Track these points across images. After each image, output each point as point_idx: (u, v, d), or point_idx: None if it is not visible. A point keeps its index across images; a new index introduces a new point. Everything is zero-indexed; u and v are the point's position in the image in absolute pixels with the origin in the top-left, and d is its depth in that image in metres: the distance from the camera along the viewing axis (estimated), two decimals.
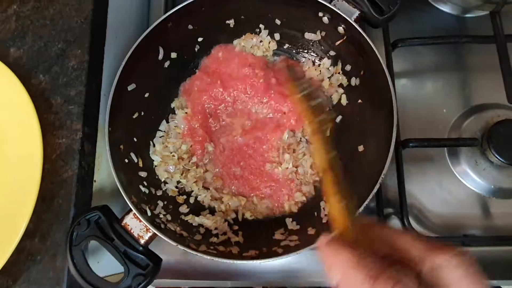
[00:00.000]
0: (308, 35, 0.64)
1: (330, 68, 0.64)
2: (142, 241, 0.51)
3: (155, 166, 0.61)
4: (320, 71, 0.65)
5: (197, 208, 0.60)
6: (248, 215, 0.60)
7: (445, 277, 0.24)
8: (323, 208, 0.57)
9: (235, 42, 0.67)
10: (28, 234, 0.51)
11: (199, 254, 0.49)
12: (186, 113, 0.64)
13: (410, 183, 0.62)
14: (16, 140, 0.53)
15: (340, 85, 0.63)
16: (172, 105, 0.65)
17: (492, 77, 0.62)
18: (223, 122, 0.65)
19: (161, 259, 0.52)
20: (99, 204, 0.53)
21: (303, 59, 0.67)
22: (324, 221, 0.55)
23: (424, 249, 0.26)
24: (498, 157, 0.57)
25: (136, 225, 0.51)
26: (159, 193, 0.59)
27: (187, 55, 0.66)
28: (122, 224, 0.51)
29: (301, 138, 0.63)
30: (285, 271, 0.60)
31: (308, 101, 0.42)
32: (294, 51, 0.67)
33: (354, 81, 0.61)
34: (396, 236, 0.28)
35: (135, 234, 0.51)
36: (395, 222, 0.60)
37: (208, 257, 0.49)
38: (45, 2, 0.60)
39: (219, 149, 0.64)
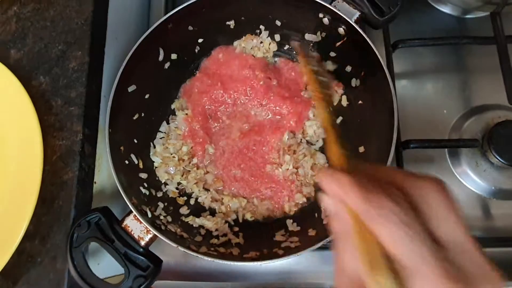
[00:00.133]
0: (308, 36, 0.64)
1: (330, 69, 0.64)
2: (142, 243, 0.51)
3: (156, 167, 0.61)
4: None
5: (198, 210, 0.60)
6: (248, 217, 0.60)
7: (428, 202, 0.28)
8: (324, 209, 0.57)
9: (235, 43, 0.67)
10: (28, 235, 0.51)
11: (199, 256, 0.49)
12: (186, 114, 0.64)
13: None
14: (16, 141, 0.53)
15: (340, 86, 0.63)
16: (173, 106, 0.65)
17: (493, 78, 0.62)
18: (224, 124, 0.65)
19: (161, 261, 0.52)
20: (99, 205, 0.53)
21: None
22: (325, 222, 0.55)
23: (412, 179, 0.30)
24: (499, 158, 0.57)
25: (136, 226, 0.51)
26: (160, 194, 0.59)
27: (187, 56, 0.66)
28: (123, 225, 0.51)
29: (301, 139, 0.63)
30: (285, 273, 0.60)
31: (315, 75, 0.45)
32: (294, 52, 0.67)
33: (355, 82, 0.61)
34: (391, 173, 0.32)
35: (136, 236, 0.51)
36: None
37: (209, 259, 0.49)
38: (45, 4, 0.60)
39: (219, 151, 0.64)
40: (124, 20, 0.68)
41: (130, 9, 0.71)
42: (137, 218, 0.51)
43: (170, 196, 0.60)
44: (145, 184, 0.58)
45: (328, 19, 0.59)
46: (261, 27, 0.66)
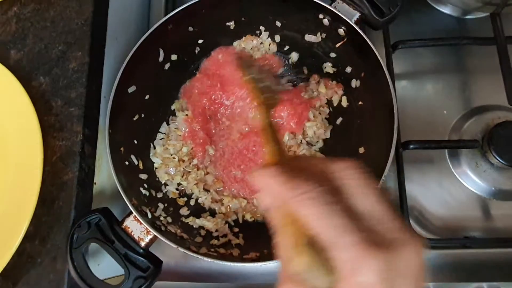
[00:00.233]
0: (308, 37, 0.64)
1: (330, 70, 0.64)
2: (142, 244, 0.51)
3: (156, 168, 0.61)
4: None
5: (198, 210, 0.60)
6: (248, 217, 0.60)
7: (348, 183, 0.30)
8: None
9: (235, 43, 0.67)
10: (28, 236, 0.51)
11: (199, 257, 0.49)
12: (186, 115, 0.64)
13: (410, 184, 0.61)
14: (17, 142, 0.53)
15: (340, 87, 0.63)
16: (173, 107, 0.65)
17: (493, 79, 0.62)
18: (224, 125, 0.65)
19: (161, 262, 0.52)
20: (99, 206, 0.53)
21: None
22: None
23: (333, 164, 0.31)
24: (499, 159, 0.57)
25: (136, 227, 0.51)
26: (160, 195, 0.59)
27: (187, 57, 0.65)
28: (123, 226, 0.51)
29: (301, 140, 0.63)
30: None
31: (255, 83, 0.48)
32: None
33: (355, 83, 0.61)
34: (314, 161, 0.34)
35: (136, 237, 0.51)
36: None
37: (209, 260, 0.49)
38: (45, 4, 0.60)
39: (219, 152, 0.64)
40: (124, 20, 0.68)
41: (130, 10, 0.71)
42: (137, 219, 0.51)
43: (170, 197, 0.60)
44: (145, 185, 0.58)
45: (328, 20, 0.59)
46: (261, 27, 0.66)
